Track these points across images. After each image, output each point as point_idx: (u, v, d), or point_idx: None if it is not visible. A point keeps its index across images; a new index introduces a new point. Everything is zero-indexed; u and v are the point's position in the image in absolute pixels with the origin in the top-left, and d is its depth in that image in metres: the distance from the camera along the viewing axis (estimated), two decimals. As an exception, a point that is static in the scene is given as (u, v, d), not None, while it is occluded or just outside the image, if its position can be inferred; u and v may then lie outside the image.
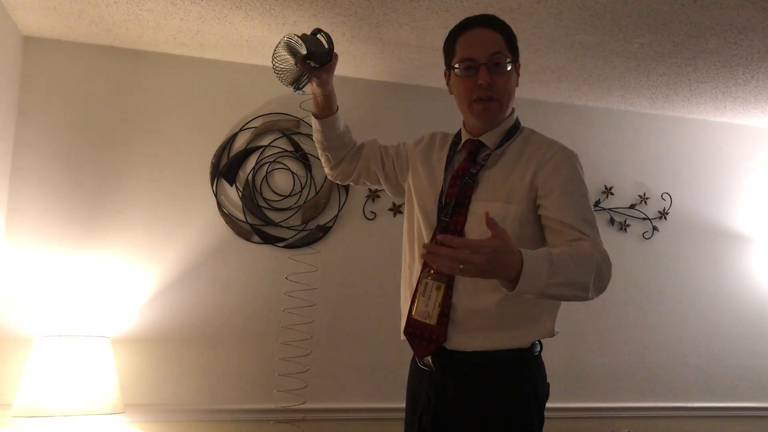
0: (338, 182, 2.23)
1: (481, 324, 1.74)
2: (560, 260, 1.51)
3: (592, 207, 1.76)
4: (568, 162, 1.76)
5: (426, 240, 1.87)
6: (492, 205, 1.75)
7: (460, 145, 1.90)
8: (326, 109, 2.02)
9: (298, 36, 1.86)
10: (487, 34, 1.80)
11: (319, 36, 1.91)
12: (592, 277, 1.57)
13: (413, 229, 1.95)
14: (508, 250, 1.43)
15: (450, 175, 1.87)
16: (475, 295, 1.74)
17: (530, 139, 1.84)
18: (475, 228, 1.76)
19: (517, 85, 1.86)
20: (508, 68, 1.79)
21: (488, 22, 1.83)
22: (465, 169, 1.84)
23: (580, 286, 1.56)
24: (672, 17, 2.43)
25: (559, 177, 1.72)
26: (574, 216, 1.68)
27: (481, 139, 1.84)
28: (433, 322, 1.77)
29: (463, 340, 1.75)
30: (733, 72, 2.93)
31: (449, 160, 1.90)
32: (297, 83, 1.92)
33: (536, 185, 1.73)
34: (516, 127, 1.86)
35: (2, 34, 2.53)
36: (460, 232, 1.78)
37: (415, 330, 1.81)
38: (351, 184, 2.22)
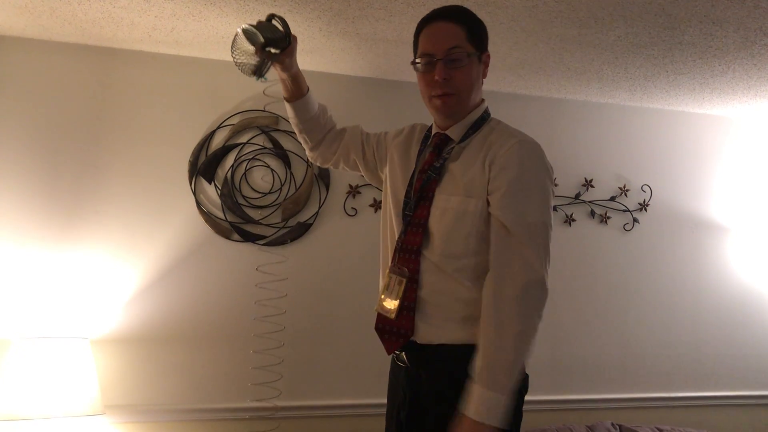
0: (318, 165, 2.21)
1: (448, 317, 1.73)
2: (489, 367, 1.59)
3: (545, 205, 1.70)
4: (521, 156, 1.70)
5: (396, 234, 1.87)
6: (453, 198, 1.74)
7: (430, 139, 1.90)
8: (296, 92, 2.00)
9: (252, 25, 1.83)
10: (447, 27, 1.76)
11: (273, 21, 1.88)
12: (517, 324, 1.61)
13: (387, 223, 1.94)
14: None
15: (418, 169, 1.87)
16: (441, 290, 1.74)
17: (494, 130, 1.81)
18: (436, 222, 1.76)
19: (484, 76, 1.83)
20: (466, 62, 1.75)
21: (449, 14, 1.78)
22: (429, 163, 1.84)
23: (518, 345, 1.60)
24: (647, 9, 2.43)
25: (508, 174, 1.68)
26: (513, 217, 1.66)
27: (447, 132, 1.84)
28: (392, 316, 1.77)
29: (430, 332, 1.75)
30: (709, 63, 2.95)
31: (420, 153, 1.91)
32: (259, 72, 1.89)
33: (488, 179, 1.71)
34: (483, 119, 1.83)
35: (-27, 33, 2.49)
36: (424, 226, 1.77)
37: (384, 325, 1.81)
38: (331, 167, 2.20)
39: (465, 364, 1.69)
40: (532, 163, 1.72)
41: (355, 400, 3.01)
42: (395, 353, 1.86)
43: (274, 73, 1.95)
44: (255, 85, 2.94)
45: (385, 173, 2.01)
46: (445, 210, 1.75)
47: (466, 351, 1.69)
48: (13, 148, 2.75)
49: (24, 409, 2.38)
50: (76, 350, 2.52)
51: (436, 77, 1.75)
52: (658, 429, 3.23)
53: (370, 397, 2.98)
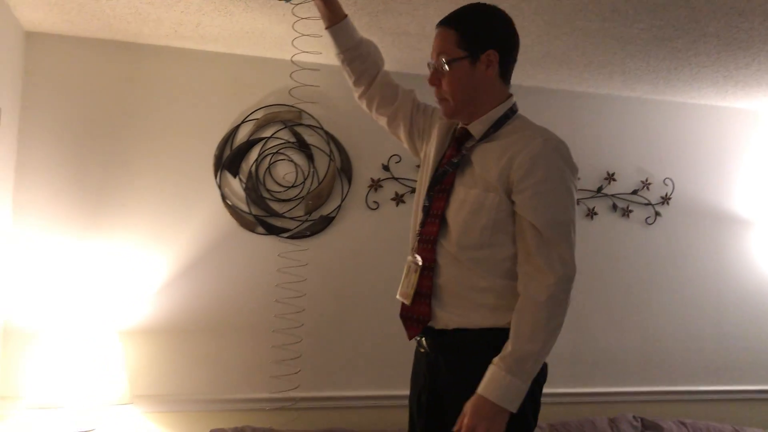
0: (364, 107, 2.17)
1: (463, 304, 1.78)
2: (521, 356, 1.65)
3: (571, 204, 1.75)
4: (546, 157, 1.73)
5: (417, 222, 1.92)
6: (472, 191, 1.78)
7: (456, 132, 1.93)
8: (332, 17, 2.02)
9: None
10: (440, 34, 1.84)
11: None
12: (548, 315, 1.67)
13: (418, 205, 1.98)
14: (477, 412, 1.63)
15: (441, 162, 1.92)
16: (456, 279, 1.79)
17: (518, 128, 1.82)
18: (454, 213, 1.80)
19: (489, 74, 1.81)
20: (451, 68, 1.79)
21: (447, 19, 1.84)
22: (449, 157, 1.88)
23: (547, 336, 1.67)
24: (671, 1, 2.42)
25: (535, 176, 1.71)
26: (544, 219, 1.70)
27: (469, 127, 1.86)
28: (408, 302, 1.84)
29: (446, 318, 1.80)
30: (733, 56, 2.93)
31: (446, 149, 1.94)
32: None
33: (512, 178, 1.72)
34: (506, 117, 1.84)
35: (4, 29, 2.54)
36: (441, 216, 1.82)
37: (405, 312, 1.88)
38: (372, 114, 2.17)
39: (480, 347, 1.75)
40: (557, 163, 1.74)
41: (374, 391, 3.05)
42: (416, 339, 1.91)
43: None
44: (278, 80, 3.00)
45: (425, 152, 2.03)
46: (464, 202, 1.79)
47: (481, 335, 1.76)
48: (43, 142, 2.80)
49: (55, 398, 2.43)
50: (105, 341, 2.57)
51: (428, 81, 1.86)
52: (680, 422, 3.22)
53: (388, 388, 3.01)
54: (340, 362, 3.04)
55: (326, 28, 2.04)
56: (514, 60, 1.88)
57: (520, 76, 3.25)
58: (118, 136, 2.89)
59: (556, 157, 1.74)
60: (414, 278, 1.84)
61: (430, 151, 1.98)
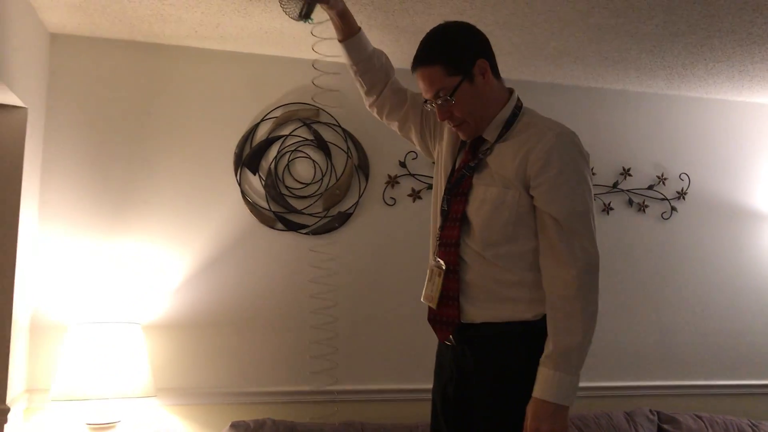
0: (375, 114, 2.23)
1: (489, 298, 1.82)
2: (563, 350, 1.70)
3: (588, 193, 1.79)
4: (560, 150, 1.77)
5: (436, 225, 1.95)
6: (492, 189, 1.82)
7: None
8: (347, 31, 2.06)
9: None
10: (425, 73, 1.86)
11: None
12: (581, 306, 1.72)
13: (437, 204, 2.01)
14: (536, 415, 1.69)
15: (456, 167, 1.96)
16: (482, 274, 1.83)
17: (529, 124, 1.86)
18: (475, 212, 1.84)
19: (489, 81, 1.86)
20: (455, 97, 1.82)
21: (422, 59, 1.87)
22: (465, 162, 1.92)
23: (586, 326, 1.73)
24: (685, -3, 2.45)
25: (551, 170, 1.76)
26: (563, 210, 1.75)
27: (483, 135, 1.90)
28: (434, 305, 1.88)
29: (473, 312, 1.84)
30: (749, 51, 2.94)
31: (459, 150, 1.99)
32: (305, 14, 2.01)
33: (529, 173, 1.77)
34: (515, 115, 1.89)
35: (30, 32, 2.60)
36: (460, 220, 1.86)
37: (435, 316, 1.91)
38: (384, 121, 2.23)
39: (506, 340, 1.79)
40: (571, 155, 1.79)
41: (397, 385, 3.08)
42: None
43: (321, 15, 2.03)
44: (297, 78, 3.05)
45: (438, 152, 2.08)
46: (484, 201, 1.83)
47: (509, 328, 1.80)
48: (67, 141, 2.86)
49: (81, 390, 2.49)
50: (129, 335, 2.63)
51: (438, 120, 1.90)
52: (697, 416, 3.23)
53: (412, 382, 3.05)
54: (361, 356, 3.08)
55: (340, 42, 2.09)
56: (494, 54, 1.92)
57: (535, 73, 3.28)
58: (141, 135, 2.95)
59: (570, 149, 1.79)
60: (438, 282, 1.87)
61: (442, 149, 2.03)
